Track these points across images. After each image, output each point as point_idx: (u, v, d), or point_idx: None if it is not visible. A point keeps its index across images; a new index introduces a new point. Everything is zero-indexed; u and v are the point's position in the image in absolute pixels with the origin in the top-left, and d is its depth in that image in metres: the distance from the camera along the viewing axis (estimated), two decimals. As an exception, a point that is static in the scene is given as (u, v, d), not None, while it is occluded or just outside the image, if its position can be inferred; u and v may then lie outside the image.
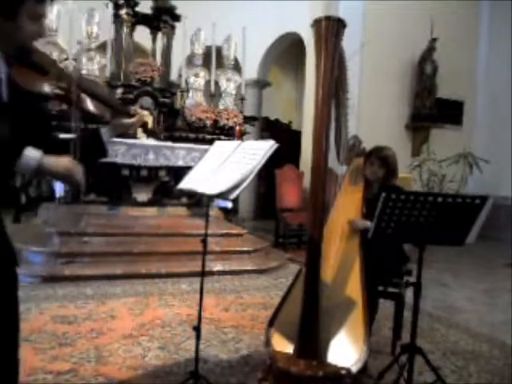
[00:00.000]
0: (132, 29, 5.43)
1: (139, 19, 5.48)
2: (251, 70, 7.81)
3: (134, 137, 5.01)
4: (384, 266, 2.51)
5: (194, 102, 5.59)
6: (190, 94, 5.65)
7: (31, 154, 1.13)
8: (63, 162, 1.20)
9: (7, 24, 1.15)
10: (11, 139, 1.16)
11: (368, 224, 2.37)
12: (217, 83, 5.75)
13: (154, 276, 4.04)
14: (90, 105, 1.40)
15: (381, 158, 2.62)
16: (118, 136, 1.58)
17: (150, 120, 1.41)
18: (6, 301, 1.28)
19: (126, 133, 1.57)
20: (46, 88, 1.29)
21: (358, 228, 2.43)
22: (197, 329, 2.02)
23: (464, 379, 2.42)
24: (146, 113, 1.61)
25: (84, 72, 4.99)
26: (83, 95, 1.38)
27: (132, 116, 1.52)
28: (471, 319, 3.51)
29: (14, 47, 1.20)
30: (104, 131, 1.47)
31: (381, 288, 2.60)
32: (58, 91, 1.32)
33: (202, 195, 2.06)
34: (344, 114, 2.45)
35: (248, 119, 6.00)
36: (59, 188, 4.90)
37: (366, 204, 2.56)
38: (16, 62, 1.23)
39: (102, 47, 5.26)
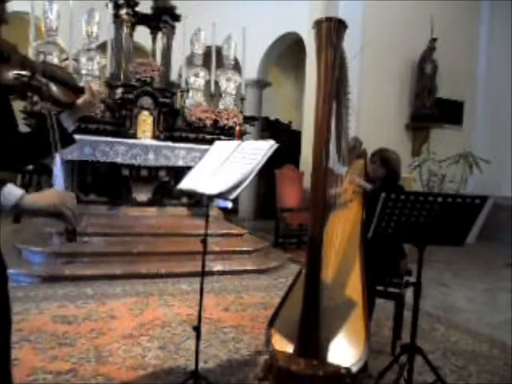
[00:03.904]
0: (132, 29, 5.44)
1: (139, 19, 5.48)
2: (251, 70, 7.81)
3: (134, 136, 5.02)
4: (382, 263, 2.51)
5: (193, 102, 5.60)
6: (190, 94, 5.65)
7: (11, 190, 1.03)
8: (46, 196, 1.07)
9: None
10: None
11: (368, 186, 2.59)
12: (217, 83, 5.75)
13: (154, 276, 4.04)
14: (57, 92, 1.31)
15: (383, 158, 2.73)
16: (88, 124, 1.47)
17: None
18: None
19: (88, 112, 1.49)
20: (10, 76, 1.16)
21: (360, 184, 2.63)
22: (197, 329, 2.01)
23: (464, 379, 2.42)
24: (94, 86, 1.43)
25: (84, 72, 4.99)
26: (47, 82, 1.28)
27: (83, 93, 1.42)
28: (471, 319, 3.51)
29: None
30: (64, 117, 1.38)
31: (381, 288, 2.61)
32: (23, 79, 1.19)
33: (202, 195, 2.06)
34: (345, 113, 2.45)
35: (248, 119, 6.00)
36: (59, 188, 4.90)
37: (367, 201, 2.57)
38: None
39: (102, 47, 5.26)
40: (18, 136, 1.28)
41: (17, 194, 1.03)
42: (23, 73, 1.19)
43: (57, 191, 1.11)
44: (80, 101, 1.40)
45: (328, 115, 2.02)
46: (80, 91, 1.40)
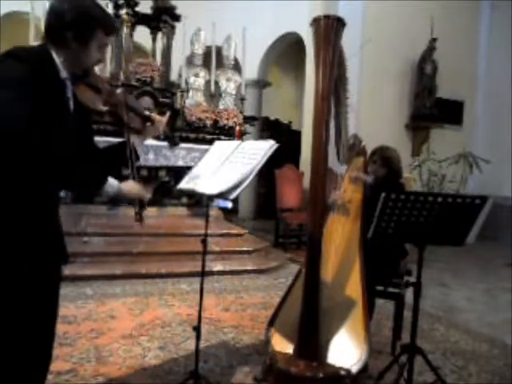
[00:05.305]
0: (132, 29, 5.43)
1: (139, 19, 5.47)
2: (251, 70, 7.81)
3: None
4: (382, 263, 2.51)
5: (193, 102, 5.59)
6: (190, 94, 5.64)
7: (112, 182, 1.40)
8: (134, 186, 1.49)
9: (81, 51, 1.36)
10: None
11: (368, 179, 2.56)
12: (217, 83, 5.75)
13: (154, 276, 4.03)
14: (133, 121, 1.58)
15: (384, 157, 2.69)
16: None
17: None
18: (50, 296, 1.43)
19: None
20: (101, 106, 1.47)
21: (359, 177, 2.59)
22: (197, 329, 2.01)
23: (464, 379, 2.42)
24: (161, 118, 1.72)
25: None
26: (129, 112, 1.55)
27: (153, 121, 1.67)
28: (471, 319, 3.51)
29: (81, 70, 1.40)
30: (134, 141, 1.64)
31: (381, 288, 2.60)
32: (111, 109, 1.50)
33: (201, 195, 2.06)
34: (344, 112, 2.45)
35: (248, 119, 5.99)
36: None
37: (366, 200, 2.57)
38: (78, 81, 1.42)
39: (102, 47, 5.25)
40: (98, 151, 1.62)
41: (116, 184, 1.41)
42: (112, 103, 1.49)
43: (136, 183, 1.51)
44: (149, 129, 1.66)
45: (327, 113, 2.02)
46: (148, 119, 1.65)
